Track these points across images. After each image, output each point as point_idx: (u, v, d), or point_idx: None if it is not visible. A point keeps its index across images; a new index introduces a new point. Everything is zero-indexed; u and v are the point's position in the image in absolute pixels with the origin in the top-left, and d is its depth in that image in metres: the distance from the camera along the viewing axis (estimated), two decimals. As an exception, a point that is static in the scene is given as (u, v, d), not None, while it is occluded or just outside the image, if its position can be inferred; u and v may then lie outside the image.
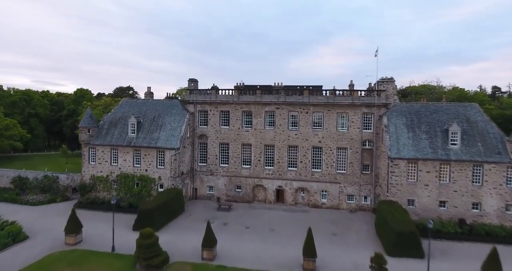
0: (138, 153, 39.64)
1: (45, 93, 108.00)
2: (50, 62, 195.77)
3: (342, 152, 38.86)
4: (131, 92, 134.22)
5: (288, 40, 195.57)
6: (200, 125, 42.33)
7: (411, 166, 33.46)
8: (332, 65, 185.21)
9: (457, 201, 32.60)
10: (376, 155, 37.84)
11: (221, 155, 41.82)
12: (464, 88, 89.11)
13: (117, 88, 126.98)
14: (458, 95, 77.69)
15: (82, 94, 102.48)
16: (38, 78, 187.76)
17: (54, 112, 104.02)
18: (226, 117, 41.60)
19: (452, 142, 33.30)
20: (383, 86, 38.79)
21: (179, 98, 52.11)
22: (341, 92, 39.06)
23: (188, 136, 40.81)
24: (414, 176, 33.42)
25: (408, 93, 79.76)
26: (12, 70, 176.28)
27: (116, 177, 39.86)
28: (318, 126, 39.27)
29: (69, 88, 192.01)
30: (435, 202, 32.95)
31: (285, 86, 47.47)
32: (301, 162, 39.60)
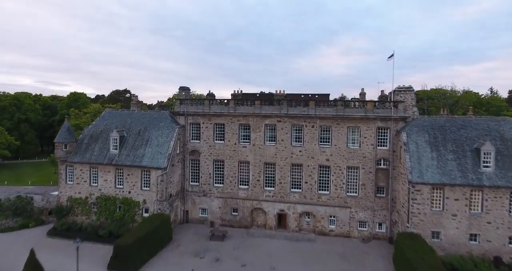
0: (120, 172, 34.91)
1: (38, 97, 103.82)
2: (54, 63, 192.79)
3: (353, 172, 33.88)
4: (128, 95, 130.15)
5: (293, 40, 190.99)
6: (192, 139, 37.52)
7: (436, 192, 28.43)
8: (337, 65, 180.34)
9: (491, 235, 27.54)
10: (392, 175, 32.83)
11: (215, 174, 36.98)
12: (478, 93, 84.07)
13: (113, 92, 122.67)
14: (475, 101, 72.50)
15: (75, 99, 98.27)
16: (42, 79, 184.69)
17: (47, 117, 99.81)
18: (221, 131, 36.76)
19: (485, 164, 28.23)
20: (400, 96, 33.76)
21: (171, 107, 47.26)
22: (352, 103, 34.08)
23: (178, 152, 36.02)
24: (439, 204, 28.41)
25: (419, 99, 74.45)
26: (16, 70, 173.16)
27: (96, 199, 35.15)
28: (326, 142, 34.33)
29: (72, 88, 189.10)
30: (464, 235, 27.92)
31: (287, 94, 42.61)
32: (306, 182, 34.67)
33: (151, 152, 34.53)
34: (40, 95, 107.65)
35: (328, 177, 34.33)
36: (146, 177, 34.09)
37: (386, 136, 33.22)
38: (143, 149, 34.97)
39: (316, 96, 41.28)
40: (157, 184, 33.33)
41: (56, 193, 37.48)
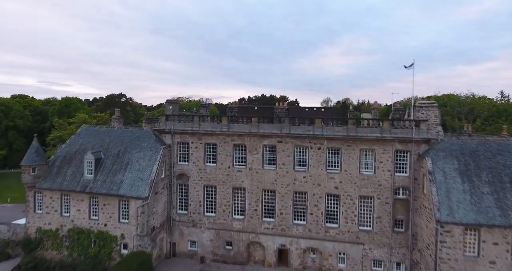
0: (95, 202, 30.12)
1: (29, 102, 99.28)
2: (55, 63, 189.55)
3: (367, 202, 28.91)
4: (123, 99, 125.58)
5: (293, 40, 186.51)
6: (180, 161, 32.65)
7: (471, 234, 23.41)
8: (338, 65, 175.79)
9: (539, 287, 22.51)
10: (413, 207, 27.83)
11: (206, 201, 32.10)
12: (493, 99, 78.85)
13: (108, 96, 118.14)
14: (491, 108, 67.17)
15: (67, 104, 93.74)
16: (44, 79, 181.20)
17: (37, 123, 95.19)
18: (212, 152, 31.87)
19: (530, 200, 23.21)
20: (422, 113, 28.76)
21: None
22: (365, 121, 29.09)
23: (163, 176, 31.17)
24: (474, 248, 23.38)
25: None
26: (18, 71, 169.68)
27: (68, 232, 30.37)
28: (335, 167, 29.37)
29: (74, 88, 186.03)
30: (505, 287, 22.89)
31: (289, 108, 37.63)
32: (311, 214, 29.73)
33: (131, 178, 29.69)
34: (32, 100, 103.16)
35: (337, 208, 29.37)
36: (125, 208, 29.29)
37: (406, 160, 28.21)
38: (122, 174, 30.13)
39: (322, 110, 36.36)
40: (137, 216, 28.49)
41: (24, 221, 32.71)
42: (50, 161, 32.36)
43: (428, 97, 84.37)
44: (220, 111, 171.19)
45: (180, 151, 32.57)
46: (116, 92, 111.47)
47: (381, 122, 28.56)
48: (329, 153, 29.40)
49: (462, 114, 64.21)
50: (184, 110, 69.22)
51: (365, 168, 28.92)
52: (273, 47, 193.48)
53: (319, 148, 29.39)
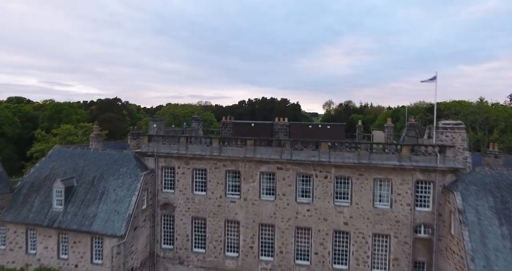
0: (65, 238, 25.93)
1: (18, 108, 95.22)
2: (58, 63, 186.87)
3: (382, 241, 24.60)
4: (119, 103, 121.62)
5: (296, 40, 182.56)
6: (164, 188, 28.41)
7: (514, 292, 19.10)
8: (340, 65, 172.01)
9: None
10: (438, 249, 23.51)
11: (195, 235, 27.84)
12: (507, 106, 74.49)
13: (102, 101, 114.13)
14: (508, 116, 62.62)
15: (58, 110, 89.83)
16: (46, 79, 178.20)
17: (27, 130, 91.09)
18: (202, 178, 27.62)
19: None
20: (446, 136, 24.47)
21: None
22: (381, 146, 24.76)
23: (144, 207, 26.94)
24: (518, 309, 19.06)
25: (444, 114, 64.71)
26: (21, 71, 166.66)
27: (34, 273, 26.20)
28: (344, 198, 25.09)
29: (77, 88, 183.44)
30: None
31: (291, 123, 33.34)
32: (316, 253, 25.43)
33: (106, 211, 25.47)
34: (24, 100, 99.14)
35: (346, 247, 25.06)
36: (98, 247, 25.07)
37: (429, 193, 23.89)
38: (96, 205, 25.91)
39: (328, 127, 32.03)
40: (112, 258, 24.27)
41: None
42: (16, 188, 28.19)
43: (438, 104, 79.87)
44: (219, 115, 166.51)
45: (165, 176, 28.33)
46: (117, 92, 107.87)
47: (399, 148, 24.21)
48: (337, 183, 25.11)
49: (476, 123, 59.73)
50: (177, 118, 65.24)
51: (380, 201, 24.62)
52: (275, 48, 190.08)
53: (326, 177, 25.09)
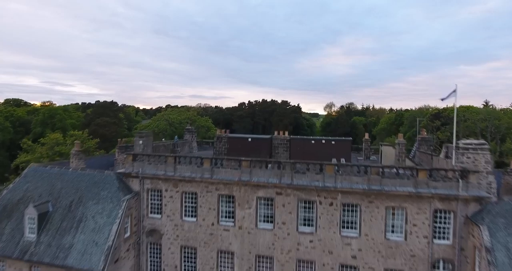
0: (37, 272, 23.07)
1: (11, 113, 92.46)
2: (59, 63, 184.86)
3: (395, 278, 21.68)
4: (116, 106, 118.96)
5: (296, 40, 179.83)
6: (151, 213, 25.52)
7: None
8: (340, 65, 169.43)
9: None
10: (459, 288, 20.58)
11: (184, 266, 24.92)
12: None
13: (98, 105, 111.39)
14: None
15: (51, 115, 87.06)
16: (47, 79, 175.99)
17: (20, 135, 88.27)
18: (192, 203, 24.73)
19: None
20: (467, 157, 21.57)
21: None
22: (394, 170, 21.81)
23: (128, 235, 24.04)
24: None
25: (448, 121, 61.62)
26: (22, 71, 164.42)
27: (3, 310, 23.34)
28: (352, 228, 22.17)
29: (77, 89, 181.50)
30: None
31: (291, 138, 30.43)
32: (320, 290, 22.52)
33: (84, 241, 22.59)
34: (14, 109, 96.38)
35: (354, 283, 22.15)
36: (73, 283, 22.16)
37: (449, 223, 20.96)
38: (73, 235, 23.03)
39: (333, 142, 29.06)
40: (89, 296, 21.38)
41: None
42: (-14, 212, 25.31)
43: (442, 110, 76.91)
44: (219, 117, 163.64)
45: (151, 200, 25.44)
46: (118, 92, 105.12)
47: (415, 172, 21.26)
48: (344, 210, 22.19)
49: (487, 131, 56.74)
50: (173, 125, 62.34)
51: (393, 232, 21.69)
52: (276, 48, 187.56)
53: (331, 204, 22.17)
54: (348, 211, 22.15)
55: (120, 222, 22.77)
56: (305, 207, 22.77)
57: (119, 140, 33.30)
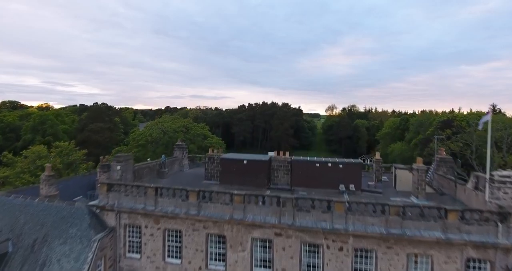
0: None
1: (1, 119, 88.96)
2: (60, 63, 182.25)
3: None
4: (113, 108, 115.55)
5: (296, 40, 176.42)
6: (129, 252, 21.85)
7: None
8: (340, 65, 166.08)
9: None
10: None
11: (167, 316, 21.27)
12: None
13: (92, 109, 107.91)
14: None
15: (42, 120, 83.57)
16: (48, 79, 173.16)
17: (10, 142, 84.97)
18: (176, 242, 21.05)
19: None
20: (504, 192, 17.90)
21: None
22: (417, 210, 18.05)
23: (100, 280, 20.40)
24: None
25: (459, 130, 57.66)
26: (22, 71, 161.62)
27: None
28: (365, 278, 18.46)
29: (78, 89, 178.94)
30: None
31: (293, 160, 26.75)
32: None
33: (45, 292, 18.96)
34: (4, 114, 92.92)
35: None
36: None
37: (485, 276, 17.24)
38: (33, 282, 19.41)
39: (341, 166, 25.30)
40: None
41: None
42: None
43: (453, 116, 73.02)
44: (219, 120, 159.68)
45: (129, 237, 21.77)
46: (118, 92, 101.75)
47: (443, 213, 17.53)
48: (356, 257, 18.48)
49: (503, 142, 52.78)
50: (167, 134, 58.56)
51: (416, 285, 17.97)
52: (276, 48, 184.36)
53: (341, 248, 18.46)
54: (361, 257, 18.44)
55: (89, 267, 19.12)
56: (309, 251, 19.06)
57: (101, 157, 29.59)
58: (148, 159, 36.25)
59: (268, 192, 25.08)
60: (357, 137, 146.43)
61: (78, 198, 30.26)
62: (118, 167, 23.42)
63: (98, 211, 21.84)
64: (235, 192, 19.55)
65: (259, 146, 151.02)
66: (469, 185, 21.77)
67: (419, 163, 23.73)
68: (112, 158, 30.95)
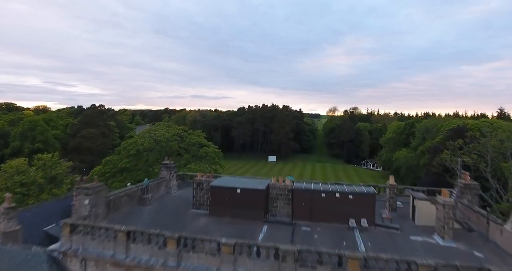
0: None
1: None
2: (60, 63, 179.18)
3: None
4: (105, 116, 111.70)
5: (296, 40, 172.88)
6: (97, 307, 18.12)
7: None
8: (340, 65, 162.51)
9: None
10: None
11: None
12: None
13: (86, 113, 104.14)
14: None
15: (31, 127, 79.89)
16: (49, 79, 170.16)
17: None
18: (152, 297, 17.29)
19: None
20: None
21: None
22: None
23: None
24: None
25: (472, 140, 53.57)
26: (23, 71, 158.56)
27: None
28: None
29: (79, 89, 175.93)
30: None
31: (295, 188, 22.98)
32: None
33: None
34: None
35: None
36: None
37: None
38: None
39: (350, 197, 21.49)
40: None
41: None
42: None
43: (464, 125, 69.04)
44: (218, 123, 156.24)
45: (96, 289, 18.03)
46: (119, 92, 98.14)
47: (486, 274, 13.73)
48: None
49: (516, 152, 48.75)
50: (159, 143, 54.90)
51: None
52: (276, 48, 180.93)
53: (355, 314, 14.67)
54: None
55: None
56: (315, 316, 15.29)
57: (77, 179, 25.82)
58: (129, 184, 32.47)
59: (265, 227, 21.42)
60: (359, 140, 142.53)
61: (50, 226, 26.70)
62: (87, 201, 19.70)
63: (60, 256, 18.11)
64: (223, 240, 15.78)
65: (259, 150, 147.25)
66: (508, 226, 17.97)
67: (444, 196, 19.90)
68: (90, 178, 27.15)
